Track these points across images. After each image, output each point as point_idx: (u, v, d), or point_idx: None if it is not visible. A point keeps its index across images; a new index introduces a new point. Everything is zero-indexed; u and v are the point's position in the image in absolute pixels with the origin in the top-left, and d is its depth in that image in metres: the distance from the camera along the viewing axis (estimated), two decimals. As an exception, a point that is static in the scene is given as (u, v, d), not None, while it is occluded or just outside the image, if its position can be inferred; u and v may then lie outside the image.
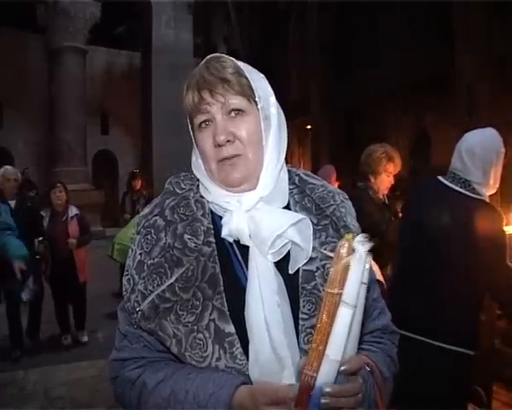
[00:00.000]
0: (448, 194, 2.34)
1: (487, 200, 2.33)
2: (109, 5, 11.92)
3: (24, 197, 5.46)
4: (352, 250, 0.85)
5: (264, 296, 0.96)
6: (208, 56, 1.09)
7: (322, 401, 0.83)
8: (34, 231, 5.19)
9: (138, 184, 7.65)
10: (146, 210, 1.10)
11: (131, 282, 1.02)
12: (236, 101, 1.03)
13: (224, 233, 1.02)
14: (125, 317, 1.05)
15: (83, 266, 5.63)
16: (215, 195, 1.06)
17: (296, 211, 1.08)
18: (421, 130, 7.27)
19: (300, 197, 1.12)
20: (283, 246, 1.00)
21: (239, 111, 1.03)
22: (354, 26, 8.23)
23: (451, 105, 5.83)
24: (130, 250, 1.07)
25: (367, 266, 0.85)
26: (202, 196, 1.10)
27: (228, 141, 1.01)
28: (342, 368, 0.84)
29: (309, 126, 9.92)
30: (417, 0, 6.43)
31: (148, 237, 1.04)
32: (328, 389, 0.83)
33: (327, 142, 9.09)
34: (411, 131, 7.38)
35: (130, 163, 16.40)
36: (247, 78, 1.04)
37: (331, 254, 1.01)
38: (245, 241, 1.01)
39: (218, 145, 1.01)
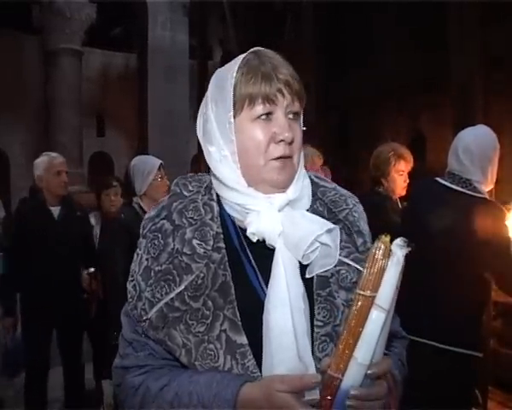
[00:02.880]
0: (450, 195, 2.34)
1: (488, 197, 2.36)
2: (105, 6, 11.89)
3: (72, 202, 3.74)
4: (388, 253, 0.83)
5: (293, 300, 0.93)
6: (257, 48, 1.05)
7: (348, 403, 0.81)
8: (85, 255, 3.73)
9: None
10: (152, 212, 1.06)
11: (137, 288, 0.99)
12: (297, 103, 1.01)
13: (250, 231, 0.99)
14: (130, 323, 1.02)
15: None
16: (242, 194, 1.01)
17: None
18: (417, 130, 7.27)
19: (312, 201, 1.08)
20: (313, 251, 0.97)
21: (296, 114, 1.02)
22: (349, 26, 8.24)
23: (446, 105, 5.85)
24: (135, 255, 1.03)
25: (402, 270, 0.83)
26: (210, 199, 1.05)
27: (291, 141, 0.99)
28: (369, 372, 0.82)
29: (304, 128, 9.92)
30: (411, 0, 6.44)
31: (156, 241, 1.00)
32: (354, 392, 0.81)
33: (322, 142, 9.10)
34: (406, 132, 7.39)
35: (126, 165, 16.35)
36: (299, 78, 1.02)
37: (346, 260, 1.01)
38: (273, 241, 0.98)
39: (280, 141, 0.98)
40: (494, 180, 2.39)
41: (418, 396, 2.16)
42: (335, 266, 1.00)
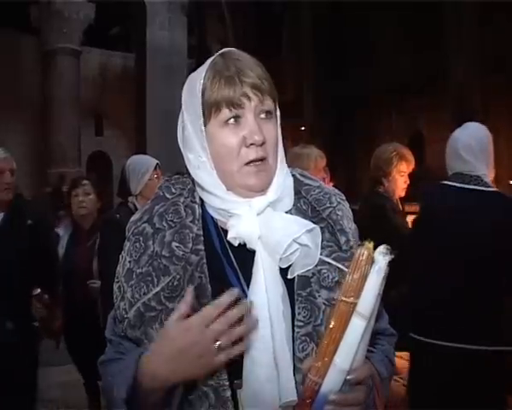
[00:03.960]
0: (465, 195, 2.32)
1: (498, 189, 2.39)
2: (103, 6, 11.89)
3: (23, 209, 2.95)
4: (371, 260, 0.82)
5: (271, 303, 0.94)
6: (226, 49, 1.05)
7: (326, 408, 0.82)
8: (39, 273, 2.91)
9: None
10: (136, 216, 1.07)
11: (121, 290, 1.01)
12: (269, 102, 0.99)
13: (231, 236, 0.99)
14: (111, 324, 1.06)
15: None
16: (222, 199, 1.01)
17: (291, 214, 1.04)
18: (416, 130, 7.28)
19: (296, 199, 1.07)
20: (292, 253, 0.97)
21: (268, 113, 1.00)
22: (348, 27, 8.25)
23: (445, 105, 5.85)
24: (120, 257, 1.05)
25: (385, 277, 0.82)
26: (193, 201, 1.06)
27: (262, 143, 0.97)
28: (349, 377, 0.82)
29: (303, 128, 9.93)
30: (410, 0, 6.45)
31: (137, 244, 1.02)
32: (333, 397, 0.81)
33: (320, 142, 9.10)
34: (405, 132, 7.39)
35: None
36: (269, 77, 1.01)
37: (327, 260, 1.00)
38: (252, 244, 0.98)
39: (251, 145, 0.96)
40: (494, 170, 2.43)
41: (447, 399, 2.17)
42: (316, 266, 0.99)
